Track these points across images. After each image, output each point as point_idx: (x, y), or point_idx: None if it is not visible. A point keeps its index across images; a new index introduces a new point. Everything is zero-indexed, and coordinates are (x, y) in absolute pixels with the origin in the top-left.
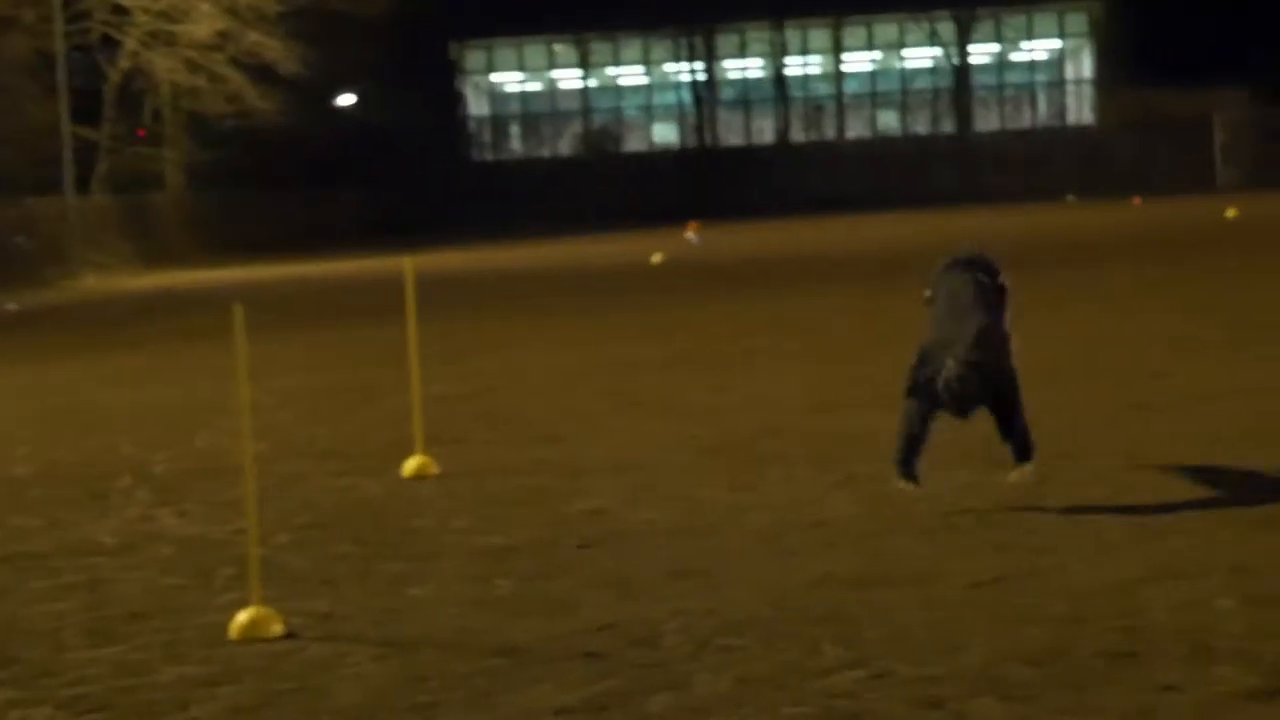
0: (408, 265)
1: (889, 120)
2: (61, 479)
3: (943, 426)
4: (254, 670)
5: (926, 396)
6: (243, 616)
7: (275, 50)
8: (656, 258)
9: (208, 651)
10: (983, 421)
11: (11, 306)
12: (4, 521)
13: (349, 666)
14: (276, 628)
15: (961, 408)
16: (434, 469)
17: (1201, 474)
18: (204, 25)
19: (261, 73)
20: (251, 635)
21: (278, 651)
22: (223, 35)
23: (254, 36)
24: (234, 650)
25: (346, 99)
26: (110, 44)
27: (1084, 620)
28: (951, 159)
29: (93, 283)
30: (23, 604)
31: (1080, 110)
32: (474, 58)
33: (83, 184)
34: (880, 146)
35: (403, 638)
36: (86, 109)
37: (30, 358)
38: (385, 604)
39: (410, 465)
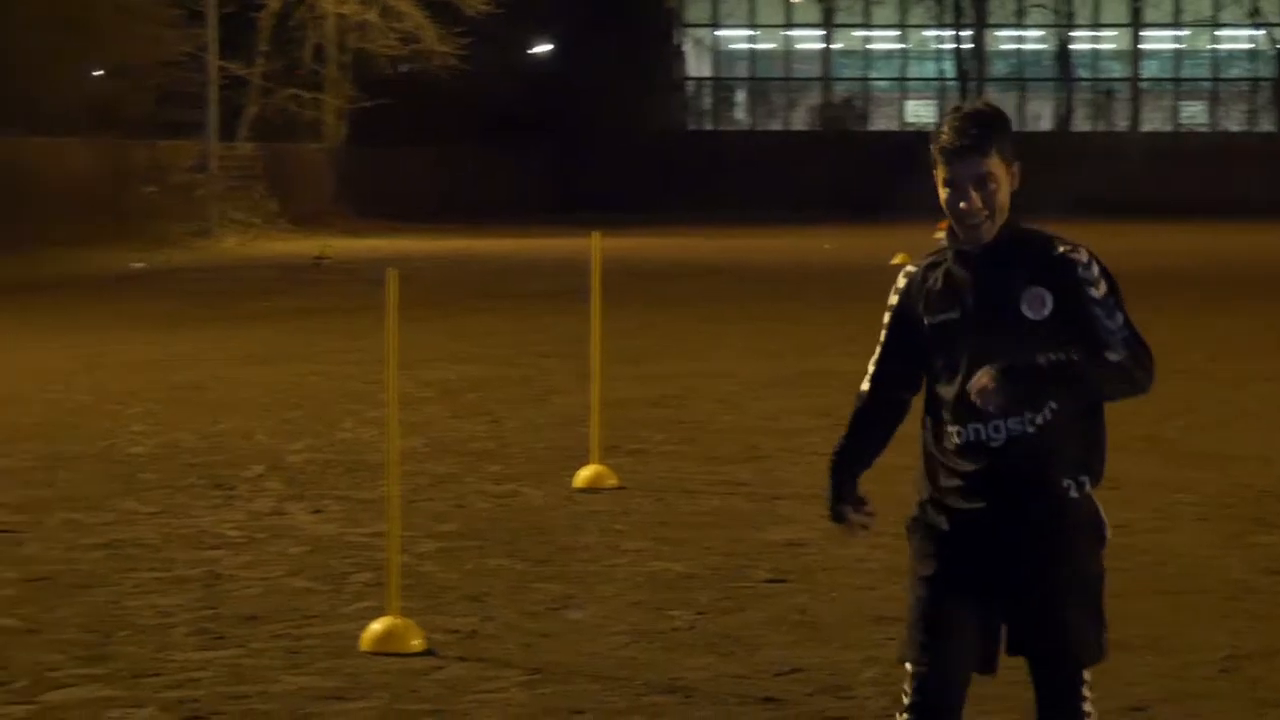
0: (595, 243)
1: (1193, 112)
2: (181, 463)
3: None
4: (384, 686)
5: None
6: (377, 627)
7: None
8: (899, 258)
9: (333, 662)
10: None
11: (137, 265)
12: (113, 505)
13: (492, 691)
14: (415, 642)
15: None
16: (611, 481)
17: None
18: None
19: (443, 10)
20: (385, 648)
21: (413, 668)
22: None
23: None
24: (363, 663)
25: (542, 48)
26: None
27: None
28: (1266, 163)
29: (231, 243)
30: (127, 596)
31: None
32: (696, 9)
33: (226, 129)
34: (1179, 143)
35: (556, 664)
36: (234, 41)
37: (154, 326)
38: (539, 626)
39: (584, 475)
